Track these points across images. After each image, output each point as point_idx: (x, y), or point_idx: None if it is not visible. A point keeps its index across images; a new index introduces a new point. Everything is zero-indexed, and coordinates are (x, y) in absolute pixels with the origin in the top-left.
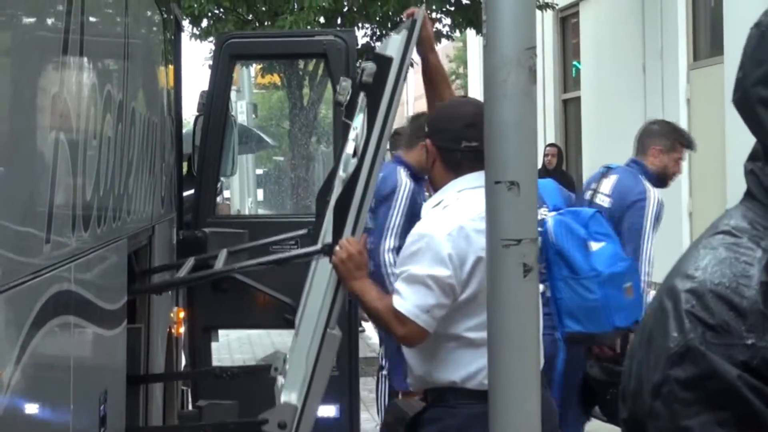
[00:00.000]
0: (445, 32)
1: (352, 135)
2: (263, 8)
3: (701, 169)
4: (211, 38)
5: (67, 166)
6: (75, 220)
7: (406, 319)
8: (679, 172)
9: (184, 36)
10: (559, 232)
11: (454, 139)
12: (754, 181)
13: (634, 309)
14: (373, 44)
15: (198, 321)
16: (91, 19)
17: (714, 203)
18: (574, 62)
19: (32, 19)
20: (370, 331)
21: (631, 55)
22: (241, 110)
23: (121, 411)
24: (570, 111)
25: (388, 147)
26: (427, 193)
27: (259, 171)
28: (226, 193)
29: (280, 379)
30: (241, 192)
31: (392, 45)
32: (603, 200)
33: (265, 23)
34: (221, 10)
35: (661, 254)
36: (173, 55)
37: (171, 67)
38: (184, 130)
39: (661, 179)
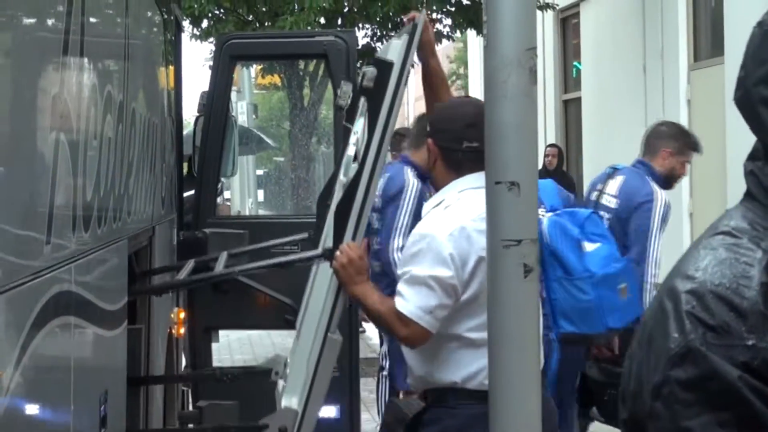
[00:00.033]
0: (445, 33)
1: (352, 139)
2: (263, 9)
3: (702, 170)
4: (211, 39)
5: (67, 166)
6: (75, 221)
7: (409, 320)
8: (685, 174)
9: (185, 36)
10: (553, 233)
11: (455, 139)
12: (754, 181)
13: (629, 310)
14: (373, 45)
15: (198, 321)
16: (92, 19)
17: (714, 204)
18: (575, 63)
19: (33, 20)
20: (370, 332)
21: (631, 55)
22: (241, 111)
23: (121, 411)
24: (570, 111)
25: (388, 148)
26: (428, 195)
27: (260, 172)
28: (227, 194)
29: (281, 384)
30: (242, 193)
31: (393, 50)
32: (609, 201)
33: (266, 24)
34: (221, 10)
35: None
36: (173, 55)
37: (171, 67)
38: (184, 131)
39: (668, 181)
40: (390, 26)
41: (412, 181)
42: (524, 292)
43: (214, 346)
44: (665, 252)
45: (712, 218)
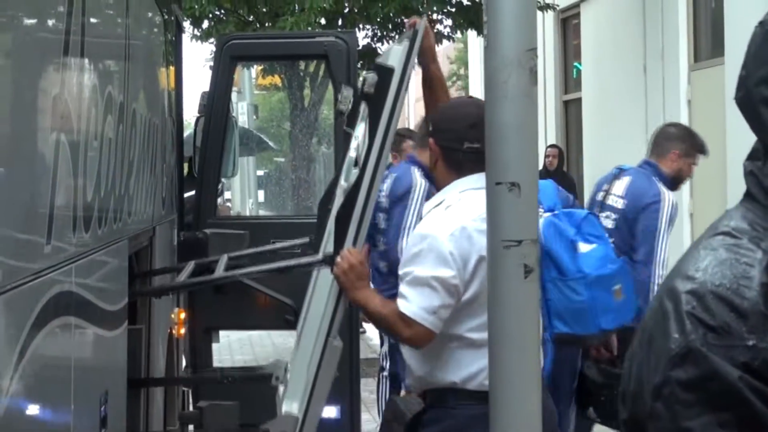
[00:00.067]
0: (445, 33)
1: (353, 144)
2: (264, 9)
3: (702, 171)
4: (212, 39)
5: (68, 167)
6: (76, 221)
7: (412, 321)
8: (691, 176)
9: (185, 37)
10: (547, 233)
11: (457, 140)
12: (754, 181)
13: (624, 311)
14: (374, 45)
15: (199, 322)
16: (92, 20)
17: (715, 204)
18: (575, 63)
19: (33, 21)
20: (370, 332)
21: (631, 56)
22: (241, 111)
23: (121, 412)
24: (571, 112)
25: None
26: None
27: (260, 172)
28: (227, 195)
29: (282, 389)
30: (242, 193)
31: (394, 55)
32: (616, 201)
33: (266, 24)
34: (222, 11)
35: None
36: (174, 56)
37: (172, 68)
38: (185, 132)
39: (674, 182)
40: (390, 27)
41: (419, 181)
42: (524, 292)
43: (214, 346)
44: None
45: (712, 218)
